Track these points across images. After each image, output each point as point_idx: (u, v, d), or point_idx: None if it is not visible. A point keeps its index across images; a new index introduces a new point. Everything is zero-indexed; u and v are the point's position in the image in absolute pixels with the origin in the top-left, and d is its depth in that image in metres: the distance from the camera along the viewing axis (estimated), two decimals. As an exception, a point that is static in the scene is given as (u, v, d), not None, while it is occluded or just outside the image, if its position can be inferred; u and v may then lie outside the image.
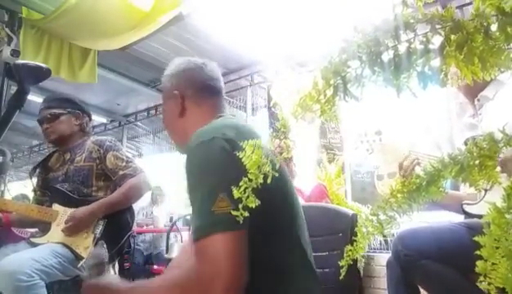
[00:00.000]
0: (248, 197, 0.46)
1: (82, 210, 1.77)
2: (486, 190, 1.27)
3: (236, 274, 0.69)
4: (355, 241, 0.56)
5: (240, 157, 0.54)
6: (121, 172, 1.88)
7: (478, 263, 0.41)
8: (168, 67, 1.11)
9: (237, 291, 0.69)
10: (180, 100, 1.01)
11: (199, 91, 1.03)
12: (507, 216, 0.41)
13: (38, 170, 2.03)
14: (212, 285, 0.68)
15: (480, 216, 1.26)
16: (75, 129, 1.99)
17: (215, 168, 0.76)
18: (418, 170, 1.45)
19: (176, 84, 1.04)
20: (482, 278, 0.40)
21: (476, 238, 0.42)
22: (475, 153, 0.48)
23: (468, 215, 1.38)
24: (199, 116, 1.00)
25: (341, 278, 0.61)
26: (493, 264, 0.40)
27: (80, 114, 2.02)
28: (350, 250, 0.57)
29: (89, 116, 2.10)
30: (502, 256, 0.40)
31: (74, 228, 1.74)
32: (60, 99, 2.03)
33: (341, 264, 0.58)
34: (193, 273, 0.72)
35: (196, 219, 0.74)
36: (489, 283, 0.40)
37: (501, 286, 0.39)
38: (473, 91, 1.49)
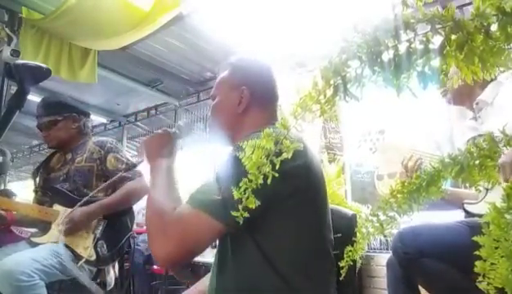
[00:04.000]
0: (248, 197, 0.46)
1: (79, 211, 1.75)
2: (487, 190, 1.27)
3: (188, 254, 0.78)
4: (355, 241, 0.56)
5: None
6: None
7: (478, 263, 0.41)
8: (234, 58, 1.10)
9: (173, 264, 0.78)
10: (247, 98, 1.00)
11: (267, 95, 1.04)
12: (507, 216, 0.41)
13: (40, 170, 2.03)
14: (169, 243, 0.77)
15: (481, 216, 1.26)
16: (73, 132, 1.98)
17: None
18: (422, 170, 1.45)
19: (245, 79, 1.03)
20: (481, 279, 0.40)
21: (475, 238, 0.42)
22: (475, 154, 0.48)
23: (469, 214, 1.38)
24: (259, 119, 1.00)
25: (341, 278, 0.61)
26: (492, 264, 0.40)
27: (77, 117, 1.99)
28: (350, 250, 0.57)
29: (87, 115, 2.06)
30: (502, 256, 0.39)
31: (73, 230, 1.74)
32: (56, 104, 1.99)
33: (341, 264, 0.58)
34: (172, 221, 0.80)
35: (200, 192, 0.82)
36: (488, 283, 0.40)
37: (501, 286, 0.39)
38: (466, 98, 1.50)
